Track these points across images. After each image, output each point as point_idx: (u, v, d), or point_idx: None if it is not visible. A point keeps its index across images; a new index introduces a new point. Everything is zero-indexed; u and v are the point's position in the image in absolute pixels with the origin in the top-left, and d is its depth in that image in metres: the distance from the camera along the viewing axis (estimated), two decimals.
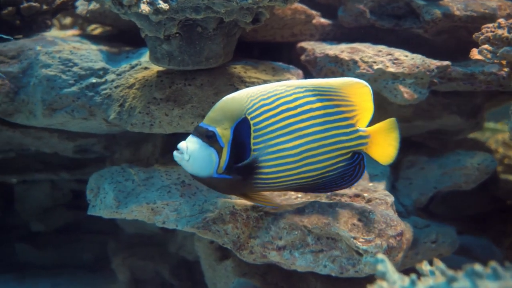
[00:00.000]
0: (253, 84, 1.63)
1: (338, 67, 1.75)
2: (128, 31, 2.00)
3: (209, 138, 1.26)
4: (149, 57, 1.60)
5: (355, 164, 1.36)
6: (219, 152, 1.27)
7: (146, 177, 1.57)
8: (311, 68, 1.86)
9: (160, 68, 1.64)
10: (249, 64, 1.74)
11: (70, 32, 2.26)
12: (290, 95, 1.28)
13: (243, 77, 1.64)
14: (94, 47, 1.82)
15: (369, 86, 1.32)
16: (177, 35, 1.48)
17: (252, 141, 1.28)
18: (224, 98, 1.29)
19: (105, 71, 1.70)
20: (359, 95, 1.32)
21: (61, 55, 1.70)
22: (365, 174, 1.69)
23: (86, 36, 2.09)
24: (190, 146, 1.27)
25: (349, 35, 1.97)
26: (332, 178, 1.36)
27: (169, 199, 1.51)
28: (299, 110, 1.28)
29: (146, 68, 1.68)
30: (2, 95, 1.60)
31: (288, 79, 1.75)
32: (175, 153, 1.29)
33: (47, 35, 1.93)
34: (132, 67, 1.70)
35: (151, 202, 1.50)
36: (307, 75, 1.86)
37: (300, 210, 1.41)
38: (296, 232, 1.36)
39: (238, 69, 1.68)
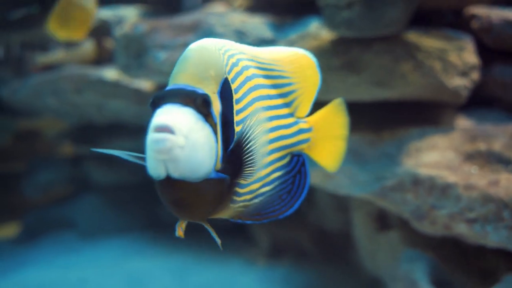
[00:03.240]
0: (429, 54, 1.57)
1: None
2: (277, 4, 2.03)
3: (205, 107, 0.77)
4: (325, 25, 1.61)
5: (294, 172, 0.91)
6: (215, 132, 0.78)
7: None
8: (484, 35, 1.74)
9: (332, 37, 1.65)
10: (421, 31, 1.67)
11: (221, 7, 2.36)
12: (242, 60, 0.84)
13: (418, 45, 1.58)
14: (257, 18, 1.88)
15: (315, 60, 0.94)
16: (358, 2, 1.47)
17: (235, 117, 0.81)
18: (195, 47, 0.81)
19: (274, 40, 1.75)
20: (302, 72, 0.91)
21: (233, 27, 1.78)
22: None
23: (237, 10, 2.17)
24: (183, 121, 0.74)
25: None
26: (268, 198, 0.89)
27: (342, 165, 1.53)
28: (254, 82, 0.85)
29: (315, 37, 1.70)
30: None
31: (461, 47, 1.66)
32: (157, 135, 0.73)
33: (210, 10, 2.03)
34: (301, 37, 1.73)
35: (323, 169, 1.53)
36: (478, 43, 1.75)
37: (494, 182, 1.34)
38: (491, 205, 1.30)
39: (412, 36, 1.63)
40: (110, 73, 2.07)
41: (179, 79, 0.79)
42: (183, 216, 0.82)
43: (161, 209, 2.83)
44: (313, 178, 1.56)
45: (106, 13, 2.19)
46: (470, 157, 1.60)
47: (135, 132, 2.48)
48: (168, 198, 0.78)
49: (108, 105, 2.16)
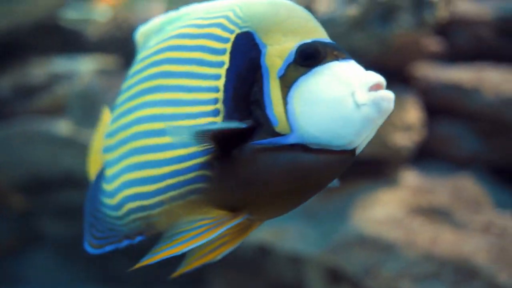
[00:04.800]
0: None
1: (458, 93, 1.72)
2: None
3: None
4: None
5: None
6: None
7: None
8: (425, 96, 1.84)
9: None
10: None
11: None
12: None
13: None
14: None
15: None
16: None
17: None
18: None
19: None
20: None
21: None
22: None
23: None
24: None
25: (464, 55, 1.92)
26: None
27: (293, 223, 1.55)
28: None
29: None
30: None
31: (404, 106, 1.75)
32: (390, 94, 0.56)
33: None
34: None
35: (276, 225, 1.55)
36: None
37: (435, 239, 1.39)
38: (431, 263, 1.34)
39: None
40: (65, 127, 2.05)
41: (318, 34, 0.60)
42: (294, 206, 0.64)
43: (115, 262, 2.74)
44: (264, 235, 1.57)
45: (61, 65, 2.15)
46: (414, 211, 1.66)
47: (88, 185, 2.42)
48: (325, 176, 0.60)
49: (60, 160, 2.12)
